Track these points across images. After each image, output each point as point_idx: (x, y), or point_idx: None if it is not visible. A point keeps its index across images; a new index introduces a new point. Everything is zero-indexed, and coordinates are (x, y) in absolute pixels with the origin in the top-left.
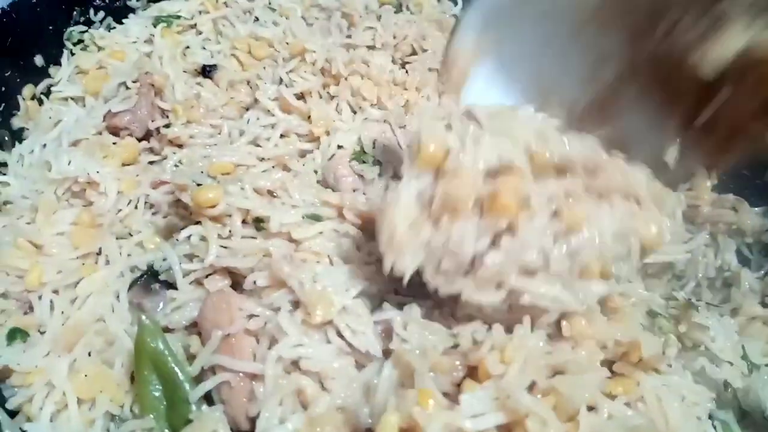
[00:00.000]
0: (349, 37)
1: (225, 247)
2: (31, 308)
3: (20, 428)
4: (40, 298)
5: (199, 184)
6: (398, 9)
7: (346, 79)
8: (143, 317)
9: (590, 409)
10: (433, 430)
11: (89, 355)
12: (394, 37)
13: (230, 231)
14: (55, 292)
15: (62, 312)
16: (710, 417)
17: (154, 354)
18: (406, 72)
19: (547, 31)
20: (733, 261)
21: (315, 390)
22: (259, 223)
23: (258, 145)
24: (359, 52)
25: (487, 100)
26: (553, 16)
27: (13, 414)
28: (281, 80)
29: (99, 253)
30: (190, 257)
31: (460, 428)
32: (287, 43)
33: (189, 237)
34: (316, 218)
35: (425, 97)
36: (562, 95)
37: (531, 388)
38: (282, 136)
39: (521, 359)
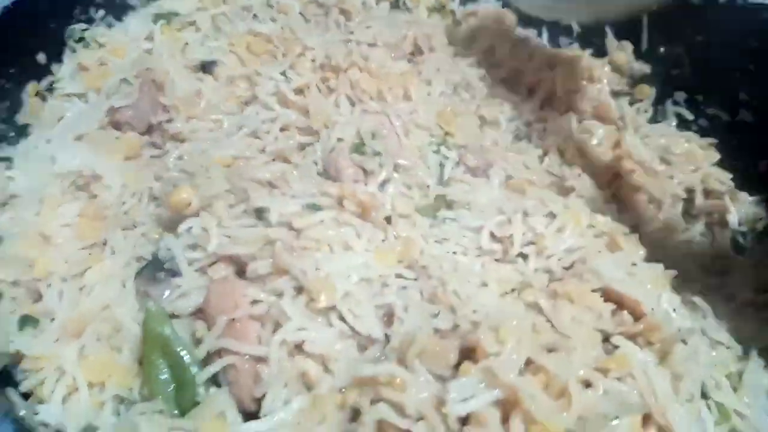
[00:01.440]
0: (351, 33)
1: (227, 237)
2: (41, 297)
3: (33, 411)
4: (49, 286)
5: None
6: (395, 5)
7: (345, 71)
8: (150, 304)
9: (587, 385)
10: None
11: (98, 340)
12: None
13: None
14: (63, 280)
15: (70, 300)
16: (704, 396)
17: (161, 339)
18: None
19: None
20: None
21: (318, 372)
22: (260, 213)
23: (258, 138)
24: (358, 47)
25: None
26: None
27: (26, 396)
28: (284, 75)
29: (105, 244)
30: (194, 247)
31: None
32: (285, 39)
33: (190, 228)
34: (316, 208)
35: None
36: None
37: (527, 365)
38: (282, 129)
39: (515, 339)
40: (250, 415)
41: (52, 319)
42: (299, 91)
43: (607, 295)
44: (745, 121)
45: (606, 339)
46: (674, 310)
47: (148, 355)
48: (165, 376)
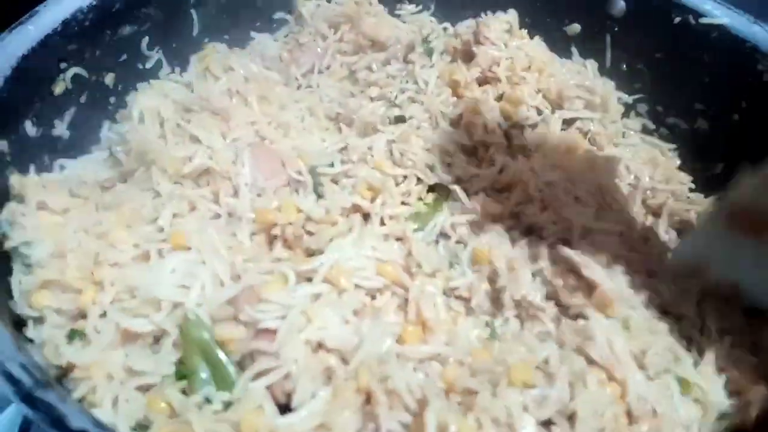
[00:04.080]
0: None
1: None
2: (85, 315)
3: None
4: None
5: None
6: None
7: None
8: (188, 312)
9: None
10: None
11: (141, 348)
12: None
13: None
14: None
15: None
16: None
17: (201, 343)
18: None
19: None
20: None
21: (338, 365)
22: None
23: None
24: None
25: None
26: None
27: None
28: None
29: None
30: None
31: None
32: None
33: None
34: None
35: None
36: None
37: None
38: None
39: None
40: (282, 407)
41: (99, 332)
42: None
43: None
44: (702, 128)
45: None
46: None
47: (189, 358)
48: (205, 374)
